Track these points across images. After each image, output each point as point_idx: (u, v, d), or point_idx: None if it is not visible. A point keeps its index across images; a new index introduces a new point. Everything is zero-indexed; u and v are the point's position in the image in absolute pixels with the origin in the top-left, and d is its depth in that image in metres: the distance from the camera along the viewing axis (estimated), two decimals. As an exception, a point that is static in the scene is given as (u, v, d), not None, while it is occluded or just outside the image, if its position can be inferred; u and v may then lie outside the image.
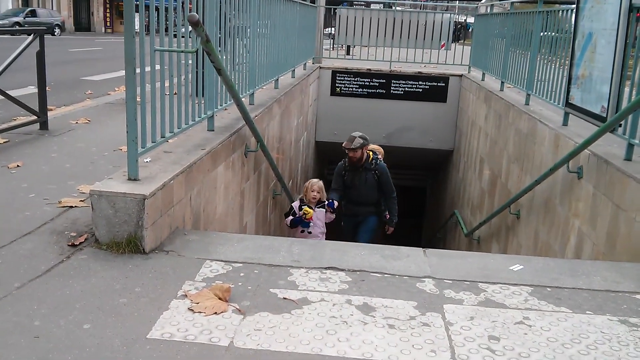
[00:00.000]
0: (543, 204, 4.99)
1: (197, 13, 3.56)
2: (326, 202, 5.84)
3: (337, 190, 6.44)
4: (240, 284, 2.49)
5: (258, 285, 2.49)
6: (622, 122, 3.88)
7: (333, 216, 5.92)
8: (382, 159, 6.46)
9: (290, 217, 5.68)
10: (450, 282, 2.66)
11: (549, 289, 2.65)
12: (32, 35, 4.95)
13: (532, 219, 5.27)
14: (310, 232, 5.72)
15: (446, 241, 10.27)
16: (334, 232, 6.16)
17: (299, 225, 5.66)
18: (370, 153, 6.30)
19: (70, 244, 2.74)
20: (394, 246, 3.09)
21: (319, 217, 5.77)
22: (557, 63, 5.51)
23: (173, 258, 2.73)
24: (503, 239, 6.27)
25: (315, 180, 5.95)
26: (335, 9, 11.88)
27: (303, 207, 5.64)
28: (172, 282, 2.47)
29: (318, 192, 5.79)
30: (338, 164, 6.54)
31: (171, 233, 2.99)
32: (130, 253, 2.68)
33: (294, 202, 6.01)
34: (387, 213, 6.53)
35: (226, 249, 2.89)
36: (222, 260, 2.73)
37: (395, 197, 6.46)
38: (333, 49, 13.93)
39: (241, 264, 2.70)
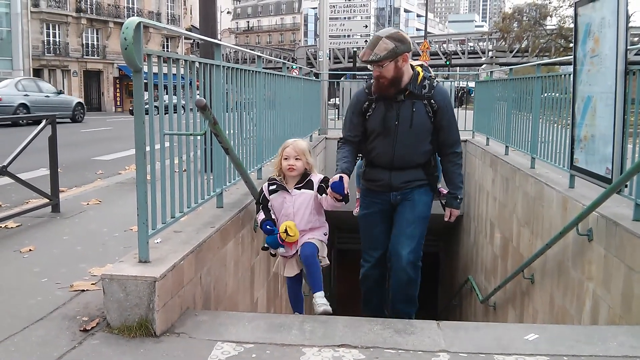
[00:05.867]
0: (556, 268, 4.95)
1: (204, 95, 3.70)
2: (322, 181, 3.53)
3: (350, 143, 3.88)
4: (252, 365, 2.46)
5: (270, 366, 2.46)
6: (628, 183, 3.90)
7: (338, 204, 3.46)
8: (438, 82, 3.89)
9: (262, 216, 3.63)
10: (466, 355, 2.62)
11: (565, 358, 2.60)
12: (44, 121, 5.10)
13: (547, 284, 5.21)
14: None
15: (462, 308, 10.09)
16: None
17: (270, 243, 3.60)
18: (420, 69, 3.79)
19: (82, 329, 2.73)
20: (407, 320, 3.06)
21: (297, 204, 3.55)
22: (560, 125, 5.59)
23: (184, 340, 2.71)
24: (519, 305, 6.17)
25: (291, 140, 3.66)
26: (339, 82, 12.21)
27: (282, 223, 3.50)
28: (184, 365, 2.45)
29: (297, 159, 3.52)
30: (357, 91, 3.97)
31: (182, 314, 2.99)
32: (141, 337, 2.67)
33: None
34: (445, 184, 4.00)
35: (237, 329, 2.87)
36: (233, 341, 2.70)
37: (460, 152, 3.92)
38: (339, 119, 14.20)
39: (252, 345, 2.68)
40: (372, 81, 3.79)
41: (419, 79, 3.73)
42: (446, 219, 4.03)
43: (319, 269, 3.58)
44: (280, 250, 3.60)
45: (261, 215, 3.65)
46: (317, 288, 3.49)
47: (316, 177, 3.59)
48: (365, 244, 4.13)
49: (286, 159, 3.54)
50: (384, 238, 4.00)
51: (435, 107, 3.71)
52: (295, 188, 3.58)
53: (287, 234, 3.45)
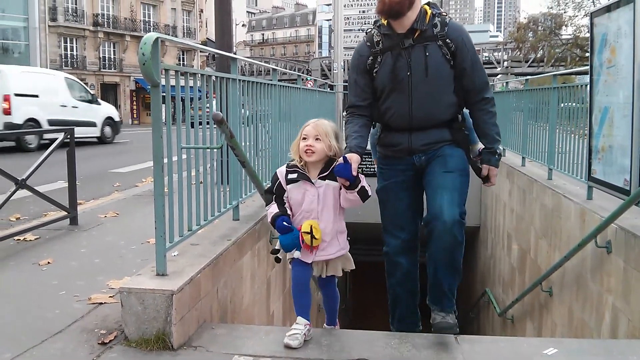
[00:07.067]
0: (575, 281, 4.89)
1: (220, 109, 3.73)
2: (337, 162, 2.81)
3: (360, 110, 3.23)
4: (269, 379, 2.46)
5: (287, 380, 2.45)
6: (647, 194, 3.85)
7: (355, 198, 2.83)
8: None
9: (274, 211, 2.90)
10: (484, 369, 2.60)
11: (586, 374, 2.57)
12: (62, 134, 5.16)
13: (565, 296, 5.15)
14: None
15: (480, 321, 10.01)
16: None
17: (286, 245, 2.85)
18: (427, 7, 3.12)
19: (100, 342, 2.74)
20: (424, 334, 3.03)
21: (323, 198, 2.88)
22: (577, 136, 5.55)
23: (201, 354, 2.71)
24: (537, 318, 6.10)
25: (313, 120, 2.96)
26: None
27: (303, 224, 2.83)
28: (201, 379, 2.45)
29: (317, 139, 2.85)
30: (357, 47, 3.34)
31: (199, 327, 2.99)
32: (158, 350, 2.68)
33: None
34: (478, 139, 3.31)
35: (254, 342, 2.87)
36: (250, 355, 2.70)
37: (491, 98, 3.21)
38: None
39: (269, 358, 2.67)
40: (372, 31, 3.20)
41: (428, 18, 3.07)
42: (484, 174, 3.24)
43: (338, 303, 3.28)
44: (296, 254, 2.85)
45: (273, 208, 2.91)
46: (331, 321, 3.29)
47: None
48: (387, 223, 3.32)
49: (304, 138, 2.88)
50: (411, 215, 3.27)
51: (452, 48, 3.05)
52: (319, 178, 2.90)
53: (313, 236, 2.76)
